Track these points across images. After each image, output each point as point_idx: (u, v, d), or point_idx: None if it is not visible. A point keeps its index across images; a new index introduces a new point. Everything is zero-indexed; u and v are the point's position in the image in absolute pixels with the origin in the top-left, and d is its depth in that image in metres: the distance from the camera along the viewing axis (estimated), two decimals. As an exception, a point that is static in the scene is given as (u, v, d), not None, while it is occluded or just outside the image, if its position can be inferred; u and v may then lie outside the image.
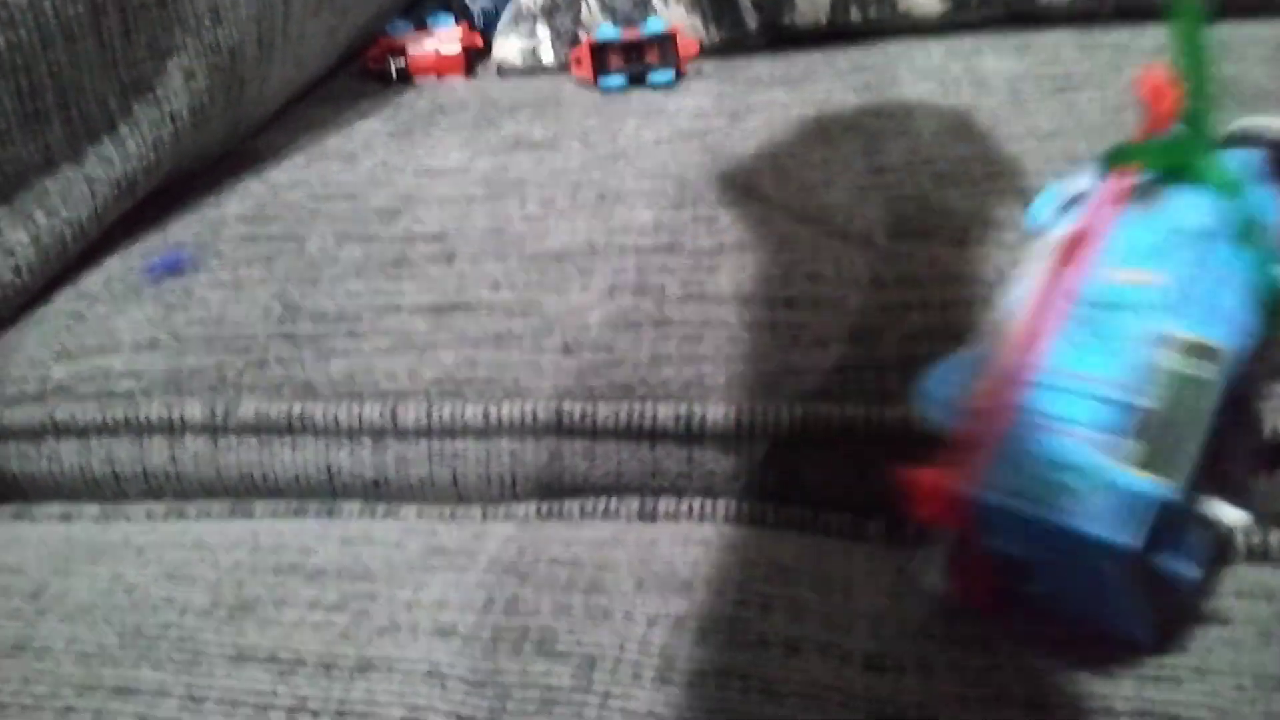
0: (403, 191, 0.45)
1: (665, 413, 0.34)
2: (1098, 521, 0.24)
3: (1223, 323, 0.27)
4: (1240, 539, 0.30)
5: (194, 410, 0.37)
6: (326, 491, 0.37)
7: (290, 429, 0.36)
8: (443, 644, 0.28)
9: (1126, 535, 0.23)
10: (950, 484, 0.26)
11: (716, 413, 0.34)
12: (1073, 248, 0.29)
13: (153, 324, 0.40)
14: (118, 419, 0.37)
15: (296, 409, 0.36)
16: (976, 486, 0.25)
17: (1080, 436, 0.25)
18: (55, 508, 0.38)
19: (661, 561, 0.31)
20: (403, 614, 0.30)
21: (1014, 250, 0.37)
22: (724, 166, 0.44)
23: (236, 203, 0.47)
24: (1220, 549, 0.27)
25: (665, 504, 0.34)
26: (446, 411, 0.35)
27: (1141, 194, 0.30)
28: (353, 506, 0.36)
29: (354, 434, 0.36)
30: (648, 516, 0.33)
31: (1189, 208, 0.29)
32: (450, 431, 0.35)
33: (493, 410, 0.35)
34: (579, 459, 0.35)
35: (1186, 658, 0.26)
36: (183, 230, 0.45)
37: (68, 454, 0.38)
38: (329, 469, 0.36)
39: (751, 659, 0.27)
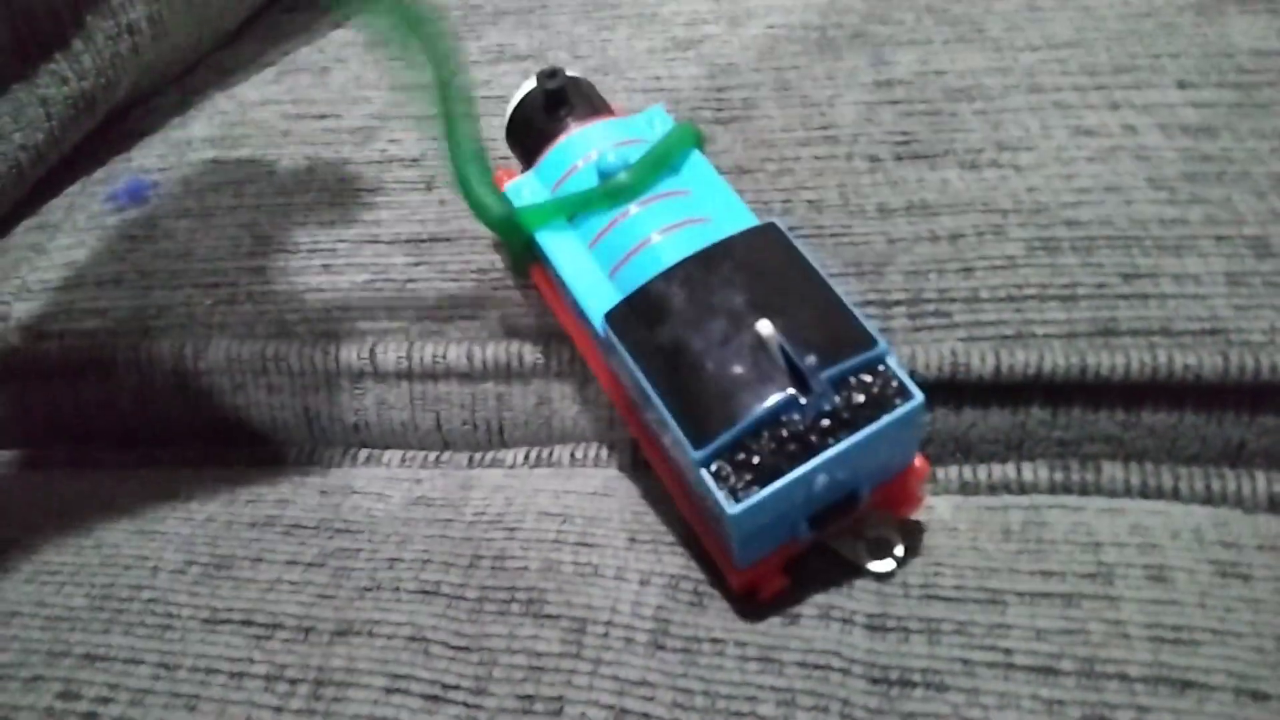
0: (377, 109, 0.43)
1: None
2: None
3: None
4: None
5: (162, 351, 0.35)
6: (305, 436, 0.35)
7: (264, 371, 0.34)
8: (426, 605, 0.27)
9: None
10: (734, 571, 0.26)
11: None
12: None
13: (117, 257, 0.38)
14: (83, 360, 0.36)
15: (270, 350, 0.34)
16: (733, 558, 0.26)
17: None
18: (24, 453, 0.37)
19: (655, 514, 0.29)
20: (384, 572, 0.28)
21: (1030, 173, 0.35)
22: (721, 80, 0.41)
23: (203, 123, 0.44)
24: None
25: (659, 450, 0.32)
26: (428, 352, 0.33)
27: None
28: (333, 453, 0.35)
29: (331, 376, 0.34)
30: (641, 464, 0.32)
31: None
32: (432, 374, 0.34)
33: (477, 351, 0.33)
34: (569, 403, 0.33)
35: (1205, 618, 0.25)
36: (146, 154, 0.43)
37: (33, 398, 0.36)
38: (306, 412, 0.35)
39: (749, 624, 0.26)
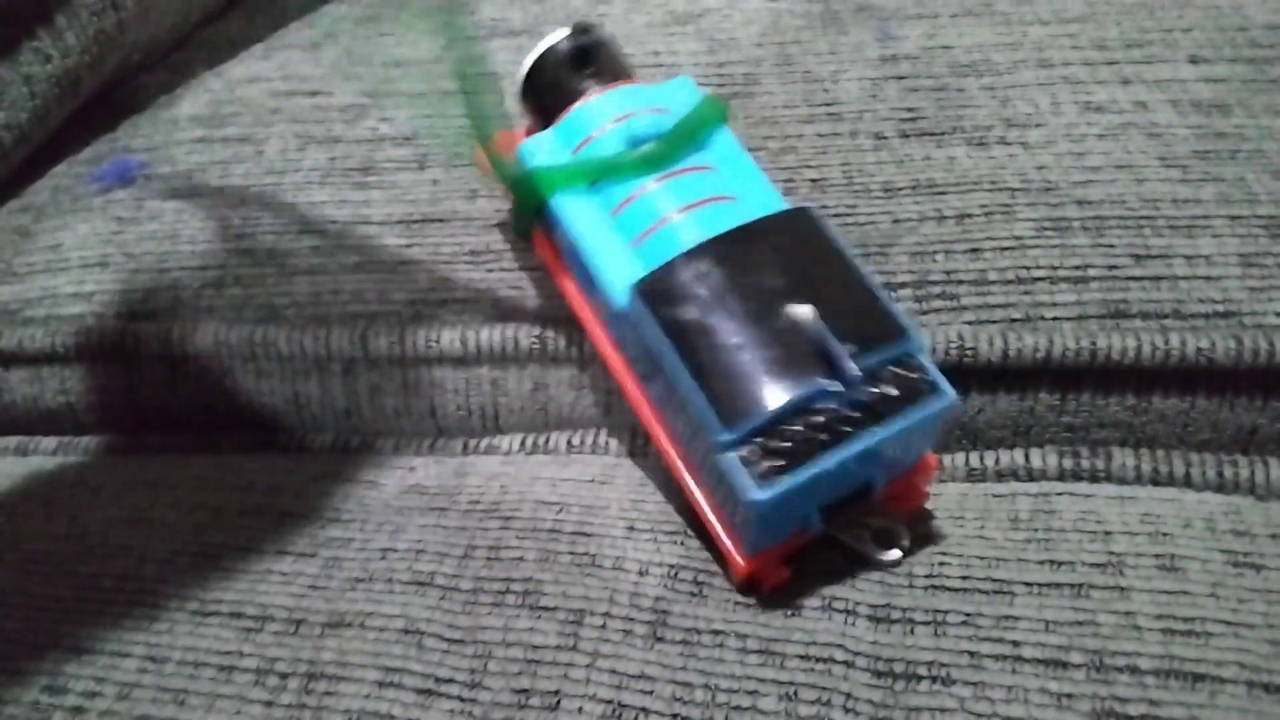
0: (369, 86, 0.42)
1: (657, 337, 0.31)
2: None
3: None
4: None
5: (150, 336, 0.34)
6: (295, 423, 0.34)
7: (253, 356, 0.34)
8: (419, 597, 0.27)
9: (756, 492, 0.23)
10: (740, 560, 0.25)
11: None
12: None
13: (102, 240, 0.37)
14: (69, 345, 0.35)
15: (259, 334, 0.33)
16: (742, 545, 0.25)
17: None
18: (10, 440, 0.36)
19: (654, 502, 0.29)
20: (377, 562, 0.28)
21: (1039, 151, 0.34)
22: (721, 56, 0.40)
23: (191, 102, 0.43)
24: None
25: (658, 436, 0.32)
26: (421, 337, 0.33)
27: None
28: (324, 439, 0.34)
29: (322, 361, 0.33)
30: (640, 452, 0.31)
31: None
32: (426, 359, 0.33)
33: (471, 335, 0.32)
34: (565, 389, 0.32)
35: (1217, 609, 0.24)
36: (133, 134, 0.42)
37: (18, 383, 0.36)
38: (296, 398, 0.34)
39: (750, 615, 0.25)
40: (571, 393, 0.32)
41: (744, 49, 0.40)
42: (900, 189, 0.33)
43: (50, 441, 0.36)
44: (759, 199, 0.28)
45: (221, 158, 0.39)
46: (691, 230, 0.27)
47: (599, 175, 0.28)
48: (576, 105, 0.30)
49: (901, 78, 0.37)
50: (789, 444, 0.23)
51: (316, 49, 0.45)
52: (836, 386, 0.24)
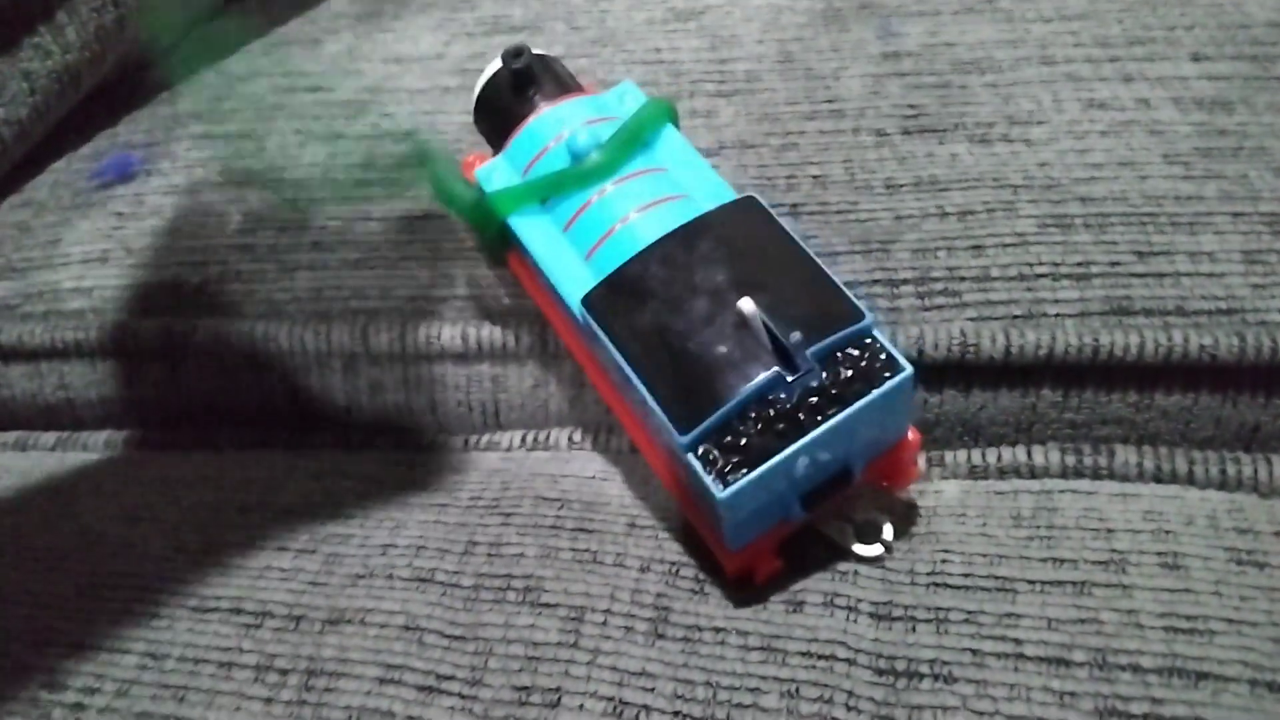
0: (370, 82, 0.41)
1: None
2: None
3: None
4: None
5: (150, 332, 0.34)
6: (296, 419, 0.34)
7: (254, 352, 0.34)
8: (420, 594, 0.26)
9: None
10: (723, 551, 0.25)
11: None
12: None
13: (103, 235, 0.37)
14: (68, 341, 0.35)
15: (259, 330, 0.33)
16: (725, 541, 0.25)
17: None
18: (9, 436, 0.36)
19: (655, 499, 0.29)
20: (377, 559, 0.28)
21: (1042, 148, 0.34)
22: (723, 52, 0.40)
23: (191, 98, 0.43)
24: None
25: (659, 433, 0.32)
26: (422, 333, 0.33)
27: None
28: (324, 435, 0.34)
29: (322, 357, 0.33)
30: (640, 448, 0.31)
31: None
32: (426, 355, 0.33)
33: (472, 332, 0.32)
34: (566, 385, 0.32)
35: (1220, 607, 0.24)
36: (133, 130, 0.42)
37: (18, 379, 0.35)
38: (297, 394, 0.34)
39: (751, 613, 0.25)
40: (572, 389, 0.32)
41: (746, 46, 0.40)
42: (902, 186, 0.33)
43: (49, 437, 0.36)
44: (711, 195, 0.28)
45: (222, 154, 0.39)
46: (643, 232, 0.27)
47: (545, 193, 0.29)
48: (521, 127, 0.30)
49: (903, 75, 0.37)
50: (747, 440, 0.23)
51: (317, 45, 0.45)
52: (787, 376, 0.24)
